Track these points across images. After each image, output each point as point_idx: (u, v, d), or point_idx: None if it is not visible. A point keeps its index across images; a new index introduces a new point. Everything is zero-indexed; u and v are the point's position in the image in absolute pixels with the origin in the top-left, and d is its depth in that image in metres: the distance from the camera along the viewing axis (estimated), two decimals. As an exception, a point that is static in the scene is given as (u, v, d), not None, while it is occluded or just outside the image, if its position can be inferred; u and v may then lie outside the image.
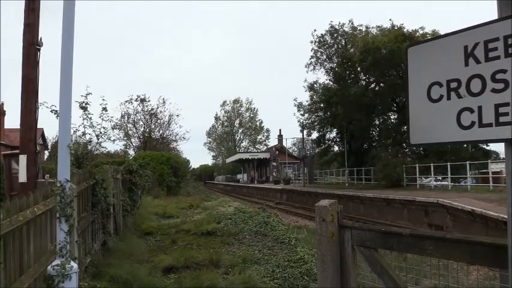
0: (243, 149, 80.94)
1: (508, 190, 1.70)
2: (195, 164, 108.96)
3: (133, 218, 11.23)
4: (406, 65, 2.17)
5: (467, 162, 20.36)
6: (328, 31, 33.76)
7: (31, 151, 6.77)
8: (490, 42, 1.78)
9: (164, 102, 41.70)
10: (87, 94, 5.67)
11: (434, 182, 23.05)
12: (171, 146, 44.46)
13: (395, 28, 29.49)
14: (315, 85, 35.27)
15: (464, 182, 21.68)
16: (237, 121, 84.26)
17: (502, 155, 14.02)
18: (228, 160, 70.72)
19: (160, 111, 41.65)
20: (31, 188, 6.11)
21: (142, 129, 41.88)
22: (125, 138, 39.59)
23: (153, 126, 42.13)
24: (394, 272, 2.59)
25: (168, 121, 42.33)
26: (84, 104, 5.76)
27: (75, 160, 6.50)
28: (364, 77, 32.99)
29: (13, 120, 31.47)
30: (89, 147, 7.70)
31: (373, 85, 32.31)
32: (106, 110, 7.02)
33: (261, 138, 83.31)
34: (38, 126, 7.01)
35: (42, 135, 34.31)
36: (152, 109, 41.39)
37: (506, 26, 1.71)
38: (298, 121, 36.98)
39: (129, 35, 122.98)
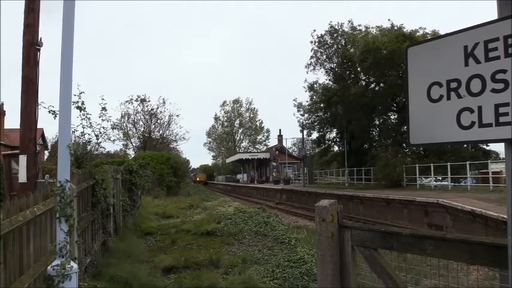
0: (243, 149, 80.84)
1: (508, 190, 1.70)
2: (195, 164, 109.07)
3: (133, 218, 11.22)
4: (406, 65, 2.17)
5: (467, 162, 20.37)
6: (327, 31, 33.75)
7: (31, 151, 6.77)
8: (490, 42, 1.77)
9: (164, 102, 41.89)
10: (80, 93, 5.57)
11: (434, 182, 23.04)
12: (171, 146, 44.53)
13: (395, 28, 29.49)
14: (315, 85, 35.33)
15: (464, 182, 21.68)
16: (237, 121, 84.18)
17: (502, 155, 14.01)
18: (228, 160, 70.70)
19: (160, 112, 41.81)
20: (31, 188, 6.11)
21: (142, 129, 41.95)
22: (125, 138, 39.60)
23: (153, 127, 42.20)
24: (394, 272, 2.58)
25: (168, 121, 42.46)
26: (79, 104, 5.67)
27: (74, 160, 6.48)
28: (364, 77, 33.00)
29: (13, 120, 31.53)
30: (88, 147, 7.67)
31: (373, 85, 32.32)
32: (105, 110, 6.98)
33: (261, 139, 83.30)
34: (38, 126, 7.01)
35: (42, 135, 34.30)
36: (152, 109, 41.52)
37: (506, 26, 1.70)
38: (298, 121, 37.07)
39: (129, 35, 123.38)
